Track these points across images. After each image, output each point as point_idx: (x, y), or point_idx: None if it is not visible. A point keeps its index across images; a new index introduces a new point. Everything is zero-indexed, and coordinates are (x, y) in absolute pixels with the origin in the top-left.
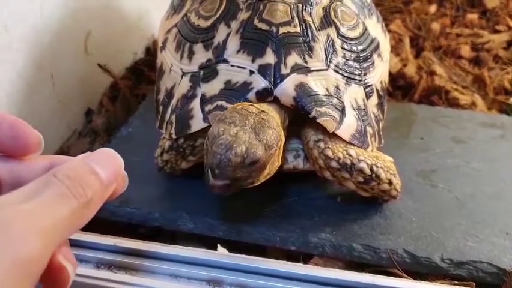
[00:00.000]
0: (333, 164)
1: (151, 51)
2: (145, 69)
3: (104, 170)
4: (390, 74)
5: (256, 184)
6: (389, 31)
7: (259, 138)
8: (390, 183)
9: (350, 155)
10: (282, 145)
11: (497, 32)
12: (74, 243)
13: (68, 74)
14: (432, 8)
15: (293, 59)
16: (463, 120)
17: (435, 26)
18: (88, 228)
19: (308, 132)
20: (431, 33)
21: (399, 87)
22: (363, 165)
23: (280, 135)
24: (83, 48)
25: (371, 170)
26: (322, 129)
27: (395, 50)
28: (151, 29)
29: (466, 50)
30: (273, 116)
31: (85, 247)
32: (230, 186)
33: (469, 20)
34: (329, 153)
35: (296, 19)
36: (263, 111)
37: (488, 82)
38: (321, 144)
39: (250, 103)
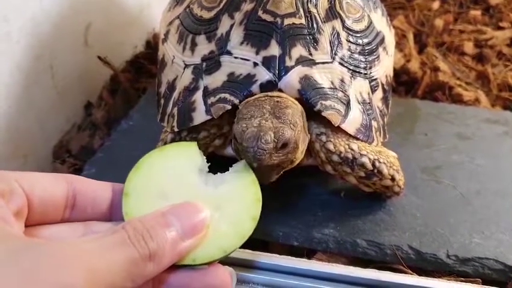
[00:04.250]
0: (335, 157)
1: (152, 45)
2: (145, 63)
3: (182, 223)
4: (394, 69)
5: (295, 164)
6: (392, 27)
7: (281, 121)
8: (392, 179)
9: (352, 149)
10: (305, 119)
11: (500, 28)
12: None
13: (68, 66)
14: (436, 4)
15: (298, 51)
16: (467, 117)
17: (439, 22)
18: None
19: (310, 125)
20: (434, 30)
21: (402, 83)
22: (365, 159)
23: (299, 110)
24: (83, 41)
25: (373, 165)
26: (324, 123)
27: (399, 45)
28: (152, 22)
29: (469, 47)
30: (286, 95)
31: None
32: (273, 174)
33: (472, 17)
34: (331, 146)
35: (301, 10)
36: (275, 95)
37: (492, 78)
38: (323, 138)
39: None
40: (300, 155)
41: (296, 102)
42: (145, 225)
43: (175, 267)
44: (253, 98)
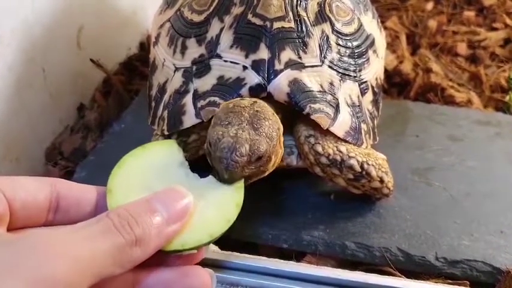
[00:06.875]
0: (323, 160)
1: (145, 47)
2: (138, 65)
3: (167, 208)
4: (386, 71)
5: (266, 174)
6: (386, 28)
7: (259, 133)
8: (381, 181)
9: (340, 152)
10: (282, 132)
11: (494, 29)
12: None
13: (60, 68)
14: (429, 5)
15: (287, 54)
16: (459, 118)
17: (432, 23)
18: None
19: (299, 128)
20: (427, 31)
21: (395, 84)
22: (353, 162)
23: (277, 122)
24: (76, 43)
25: (362, 167)
26: (313, 125)
27: (391, 47)
28: (145, 24)
29: (462, 48)
30: (266, 105)
31: None
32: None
33: (466, 18)
34: (319, 149)
35: (290, 14)
36: (255, 101)
37: (485, 80)
38: (312, 140)
39: (241, 98)
40: (271, 167)
41: (274, 113)
42: (130, 212)
43: (161, 253)
44: (233, 101)
